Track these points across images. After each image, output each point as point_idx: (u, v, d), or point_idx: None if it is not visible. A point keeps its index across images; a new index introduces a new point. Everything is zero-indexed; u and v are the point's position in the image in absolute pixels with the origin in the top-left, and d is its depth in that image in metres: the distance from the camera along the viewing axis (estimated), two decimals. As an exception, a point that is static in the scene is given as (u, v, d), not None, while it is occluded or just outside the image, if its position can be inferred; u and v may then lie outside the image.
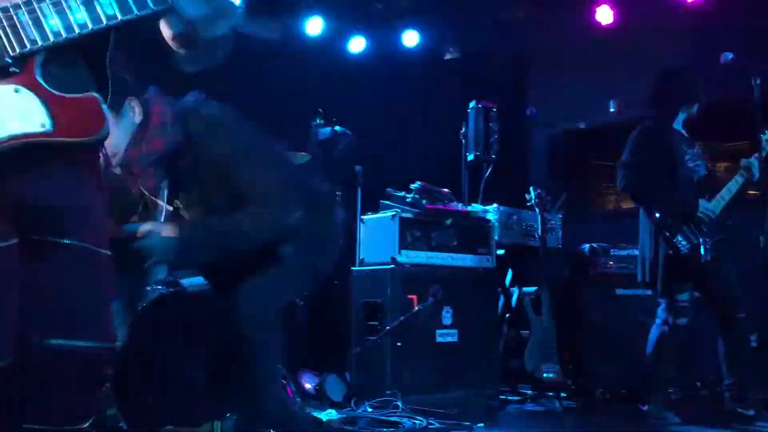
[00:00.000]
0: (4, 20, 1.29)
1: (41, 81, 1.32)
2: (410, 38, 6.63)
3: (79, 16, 1.30)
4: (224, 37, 1.43)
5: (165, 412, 3.42)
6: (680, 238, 4.08)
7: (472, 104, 5.54)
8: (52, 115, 1.31)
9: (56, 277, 1.44)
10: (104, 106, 1.36)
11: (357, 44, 6.65)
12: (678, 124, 4.36)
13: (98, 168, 1.58)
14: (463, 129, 5.55)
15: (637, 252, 4.42)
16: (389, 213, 4.74)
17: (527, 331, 4.99)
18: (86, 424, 1.53)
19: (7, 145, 1.30)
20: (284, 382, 4.04)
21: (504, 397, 4.98)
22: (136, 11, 1.31)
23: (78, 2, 1.30)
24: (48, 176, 1.43)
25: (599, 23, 6.07)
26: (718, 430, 3.99)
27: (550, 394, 4.94)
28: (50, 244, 1.44)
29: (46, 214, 1.44)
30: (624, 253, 5.18)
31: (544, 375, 4.87)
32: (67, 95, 1.34)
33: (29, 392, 1.44)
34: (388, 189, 4.96)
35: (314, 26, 6.34)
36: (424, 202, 4.83)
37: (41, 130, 1.31)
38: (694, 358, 4.78)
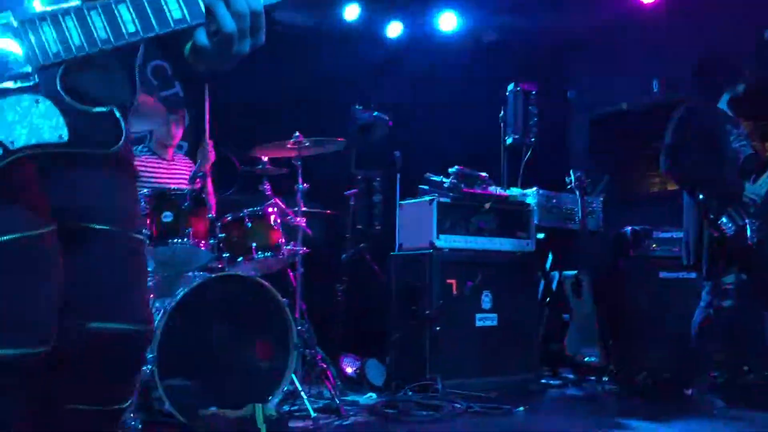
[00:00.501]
0: (29, 32, 1.32)
1: (61, 92, 1.35)
2: (448, 22, 6.59)
3: (102, 33, 1.33)
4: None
5: (208, 393, 3.49)
6: (725, 220, 4.00)
7: (510, 87, 5.49)
8: (70, 127, 1.35)
9: (92, 261, 1.48)
10: (121, 120, 1.39)
11: (394, 29, 6.63)
12: (723, 104, 4.27)
13: (129, 161, 1.61)
14: (502, 112, 5.50)
15: (680, 234, 4.35)
16: (427, 198, 4.74)
17: (567, 315, 4.96)
18: (125, 404, 1.58)
19: (24, 153, 1.34)
20: (324, 366, 4.09)
21: (545, 381, 4.96)
22: (157, 29, 1.33)
23: (102, 19, 1.32)
24: (75, 178, 1.47)
25: (641, 1, 5.95)
26: (764, 414, 3.92)
27: (592, 378, 4.91)
28: (84, 230, 1.48)
29: (77, 207, 1.48)
30: (667, 235, 5.10)
31: (585, 359, 4.83)
32: (85, 108, 1.37)
33: (71, 374, 1.48)
34: (427, 174, 4.95)
35: (351, 12, 6.33)
36: (462, 186, 4.82)
37: (58, 141, 1.34)
38: (740, 341, 4.69)
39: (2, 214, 1.37)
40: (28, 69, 1.33)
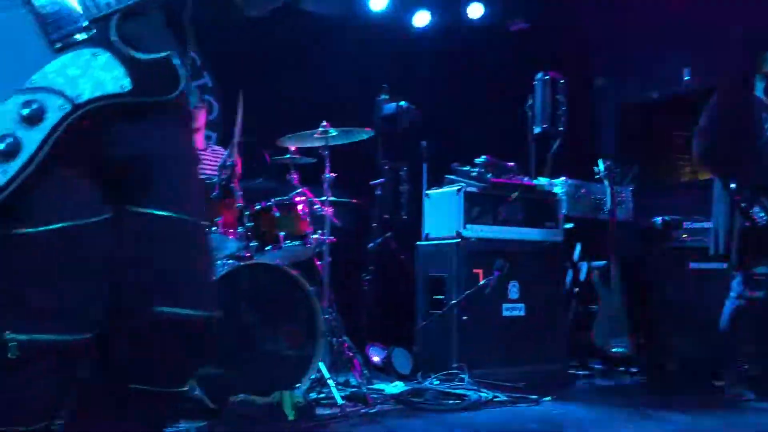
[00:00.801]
0: None
1: (117, 42, 1.36)
2: (475, 11, 6.56)
3: None
4: None
5: (237, 380, 3.52)
6: (757, 210, 3.94)
7: (538, 76, 5.45)
8: (131, 76, 1.36)
9: (158, 248, 1.49)
10: (178, 64, 1.39)
11: (421, 18, 6.61)
12: (759, 91, 4.20)
13: (189, 127, 1.60)
14: (530, 101, 5.47)
15: (710, 225, 4.29)
16: (454, 187, 4.73)
17: (595, 306, 4.93)
18: (186, 387, 1.61)
19: (88, 107, 1.35)
20: (351, 354, 4.11)
21: (573, 371, 4.94)
22: None
23: None
24: (137, 135, 1.47)
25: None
26: (796, 407, 3.87)
27: (620, 369, 4.88)
28: (150, 217, 1.48)
29: (138, 174, 1.47)
30: (698, 225, 5.03)
31: (614, 349, 4.81)
32: (142, 56, 1.38)
33: (135, 355, 1.51)
34: (454, 163, 4.94)
35: (378, 1, 6.32)
36: (489, 176, 4.80)
37: (120, 90, 1.36)
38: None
39: (55, 198, 1.39)
40: (84, 23, 1.34)
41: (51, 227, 1.38)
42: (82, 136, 1.38)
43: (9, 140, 1.31)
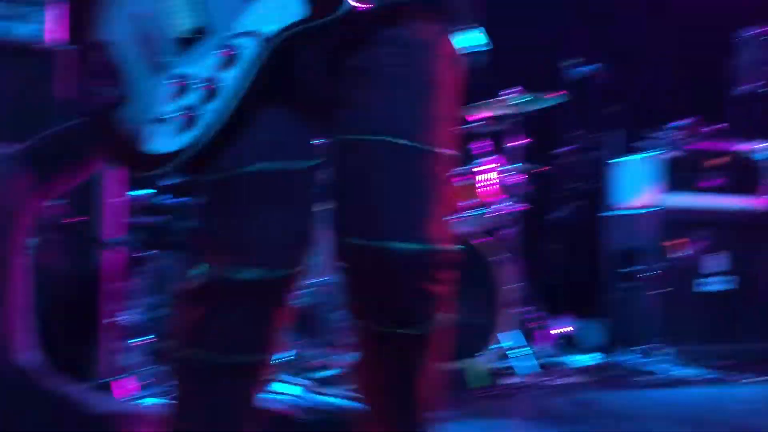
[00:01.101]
0: None
1: None
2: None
3: None
4: None
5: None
6: None
7: (745, 31, 5.05)
8: (306, 1, 1.39)
9: (369, 176, 1.45)
10: None
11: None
12: None
13: (421, 49, 1.51)
14: (736, 60, 5.08)
15: None
16: (650, 153, 4.50)
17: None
18: (422, 329, 1.53)
19: (279, 39, 1.39)
20: (537, 325, 4.06)
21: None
22: None
23: None
24: (339, 57, 1.47)
25: None
26: None
27: None
28: (363, 144, 1.45)
29: (348, 100, 1.47)
30: None
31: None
32: None
33: (365, 294, 1.51)
34: (649, 128, 4.71)
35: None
36: (688, 141, 4.53)
37: (300, 17, 1.39)
38: None
39: (261, 138, 1.43)
40: None
41: (254, 168, 1.42)
42: (280, 70, 1.42)
43: (210, 84, 1.40)
